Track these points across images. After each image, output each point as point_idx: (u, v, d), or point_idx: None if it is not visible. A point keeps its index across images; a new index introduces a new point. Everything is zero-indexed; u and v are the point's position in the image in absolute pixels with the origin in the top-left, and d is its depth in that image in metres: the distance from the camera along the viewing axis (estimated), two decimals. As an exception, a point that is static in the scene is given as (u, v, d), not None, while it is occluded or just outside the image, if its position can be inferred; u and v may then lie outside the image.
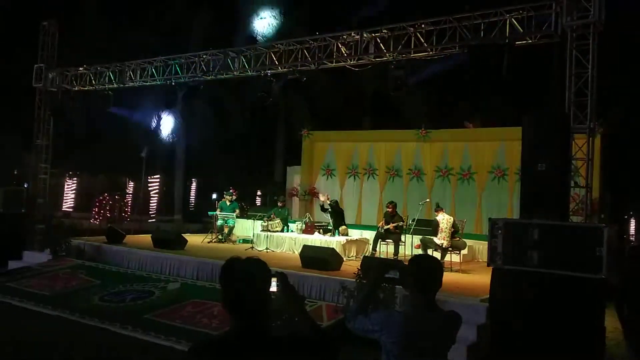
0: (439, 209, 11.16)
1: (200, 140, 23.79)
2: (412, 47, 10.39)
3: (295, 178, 17.93)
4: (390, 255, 11.32)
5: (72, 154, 24.88)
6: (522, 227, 7.41)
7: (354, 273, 8.55)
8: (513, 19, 9.20)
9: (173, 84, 13.41)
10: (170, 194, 26.14)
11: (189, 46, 17.46)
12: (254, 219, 14.04)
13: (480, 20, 9.55)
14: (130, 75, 14.02)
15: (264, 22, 20.12)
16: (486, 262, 7.77)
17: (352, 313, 3.04)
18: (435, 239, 10.73)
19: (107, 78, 14.34)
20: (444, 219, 10.84)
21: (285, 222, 13.62)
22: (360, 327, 2.96)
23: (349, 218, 14.38)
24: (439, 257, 9.98)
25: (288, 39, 12.03)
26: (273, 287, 2.23)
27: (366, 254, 11.53)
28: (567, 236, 7.18)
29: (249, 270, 2.16)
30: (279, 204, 14.23)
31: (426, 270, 2.99)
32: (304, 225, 12.87)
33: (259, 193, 29.57)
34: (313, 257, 10.13)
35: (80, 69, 14.87)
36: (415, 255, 3.23)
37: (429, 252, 10.24)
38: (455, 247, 10.89)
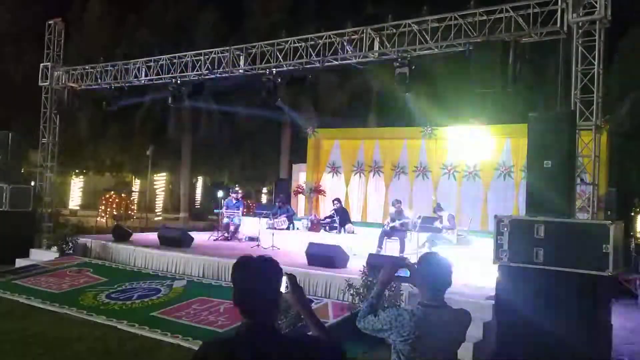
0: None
1: (206, 138, 23.86)
2: (417, 44, 10.38)
3: (300, 176, 17.92)
4: (396, 253, 11.32)
5: (78, 152, 25.03)
6: (528, 224, 7.41)
7: (360, 271, 8.56)
8: (518, 16, 9.17)
9: (179, 82, 13.40)
10: (176, 192, 26.26)
11: (195, 43, 17.48)
12: (259, 217, 14.06)
13: (485, 16, 9.51)
14: (136, 73, 14.05)
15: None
16: (492, 260, 7.76)
17: (362, 312, 3.05)
18: (447, 236, 10.68)
19: (112, 76, 14.37)
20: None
21: (291, 220, 13.64)
22: (370, 326, 2.98)
23: (355, 215, 14.37)
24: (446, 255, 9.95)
25: (293, 36, 12.02)
26: (282, 288, 2.24)
27: (372, 252, 11.53)
28: (573, 233, 7.17)
29: (261, 269, 2.17)
30: (277, 203, 14.29)
31: (437, 268, 2.99)
32: (309, 223, 12.87)
33: (264, 190, 29.65)
34: (319, 255, 10.13)
35: (87, 67, 14.91)
36: (426, 254, 3.23)
37: (434, 249, 10.22)
38: (461, 244, 10.88)
